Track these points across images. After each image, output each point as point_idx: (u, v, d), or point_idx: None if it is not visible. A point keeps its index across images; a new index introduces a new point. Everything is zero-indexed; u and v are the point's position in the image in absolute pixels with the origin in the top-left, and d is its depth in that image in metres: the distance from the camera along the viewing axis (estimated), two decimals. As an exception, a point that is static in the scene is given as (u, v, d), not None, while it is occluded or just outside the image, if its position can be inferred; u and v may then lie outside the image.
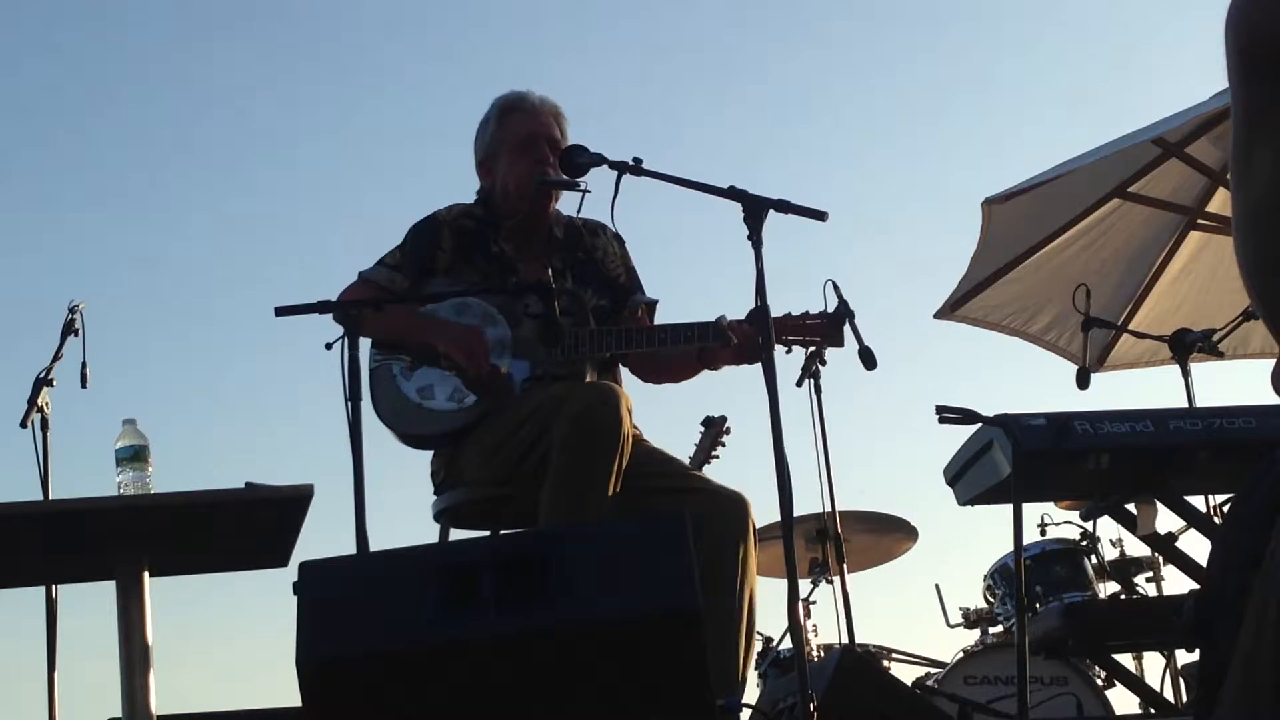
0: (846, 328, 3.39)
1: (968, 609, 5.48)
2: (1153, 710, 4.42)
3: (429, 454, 3.56)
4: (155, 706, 2.89)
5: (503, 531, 3.40)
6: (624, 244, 3.73)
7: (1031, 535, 5.12)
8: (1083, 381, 4.65)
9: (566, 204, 3.66)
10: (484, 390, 3.41)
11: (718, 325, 3.36)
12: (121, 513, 2.81)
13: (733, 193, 3.06)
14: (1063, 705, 4.41)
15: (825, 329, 3.43)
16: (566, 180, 3.42)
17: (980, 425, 3.83)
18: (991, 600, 5.32)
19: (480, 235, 3.59)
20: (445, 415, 3.42)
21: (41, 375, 4.26)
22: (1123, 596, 5.28)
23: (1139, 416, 3.78)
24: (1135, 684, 4.64)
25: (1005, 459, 3.74)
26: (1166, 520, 4.09)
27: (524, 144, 3.58)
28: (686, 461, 5.16)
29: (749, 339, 3.30)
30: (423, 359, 3.47)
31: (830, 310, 3.39)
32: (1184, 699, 4.81)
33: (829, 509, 5.00)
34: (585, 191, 3.38)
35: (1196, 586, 3.95)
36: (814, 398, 4.89)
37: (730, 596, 3.25)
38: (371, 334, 3.44)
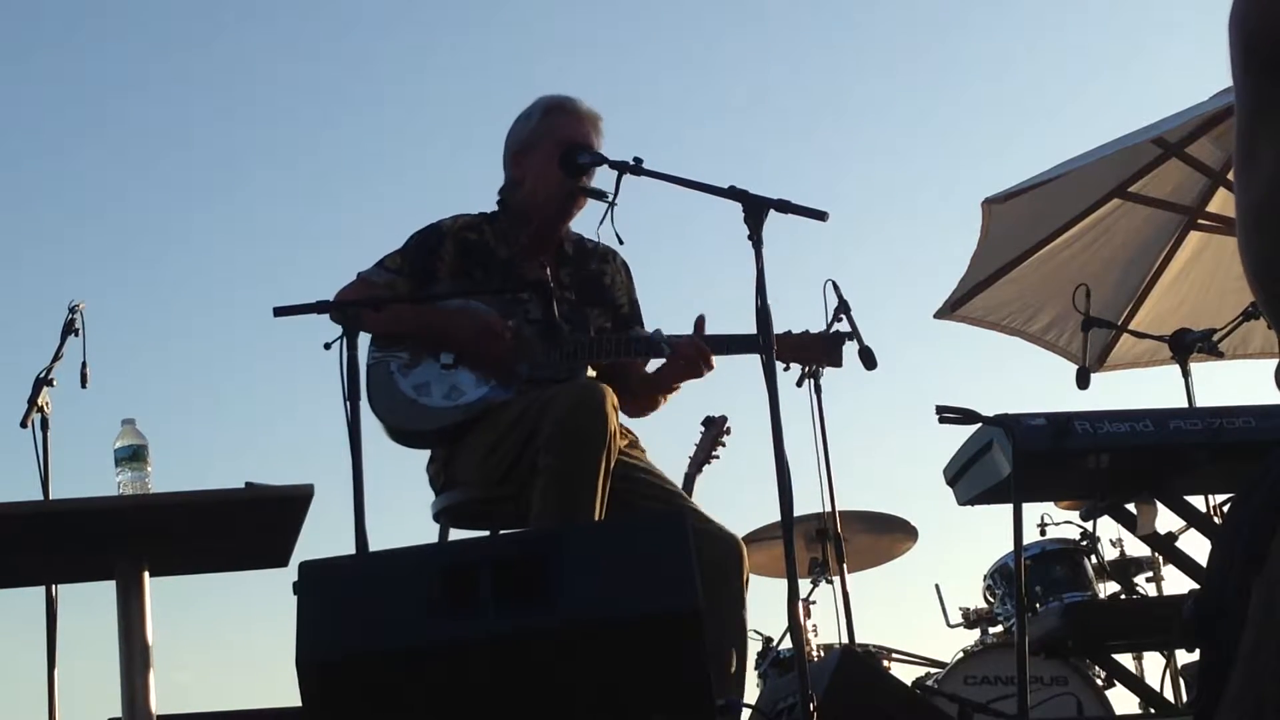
0: (845, 347, 3.40)
1: (968, 609, 5.48)
2: (1153, 710, 4.42)
3: (428, 454, 3.56)
4: (155, 706, 2.89)
5: (502, 531, 3.40)
6: (631, 274, 3.73)
7: (1031, 535, 5.12)
8: (1083, 381, 4.65)
9: (584, 223, 3.66)
10: (491, 358, 3.40)
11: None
12: (121, 513, 2.81)
13: (733, 193, 3.06)
14: (1063, 705, 4.40)
15: (823, 350, 3.43)
16: (597, 190, 3.42)
17: (980, 425, 3.83)
18: (991, 600, 5.32)
19: (482, 247, 3.58)
20: (439, 412, 3.42)
21: (41, 375, 4.26)
22: (1123, 596, 5.28)
23: (1139, 416, 3.79)
24: (1135, 684, 4.64)
25: (1005, 459, 3.74)
26: (1166, 520, 4.10)
27: (562, 147, 3.50)
28: (687, 461, 5.20)
29: (683, 351, 3.37)
30: (423, 352, 3.47)
31: (827, 316, 3.40)
32: (1184, 699, 4.81)
33: (829, 509, 5.00)
34: (612, 204, 3.34)
35: (1196, 586, 3.95)
36: (814, 398, 4.89)
37: (720, 646, 3.21)
38: (376, 328, 3.44)
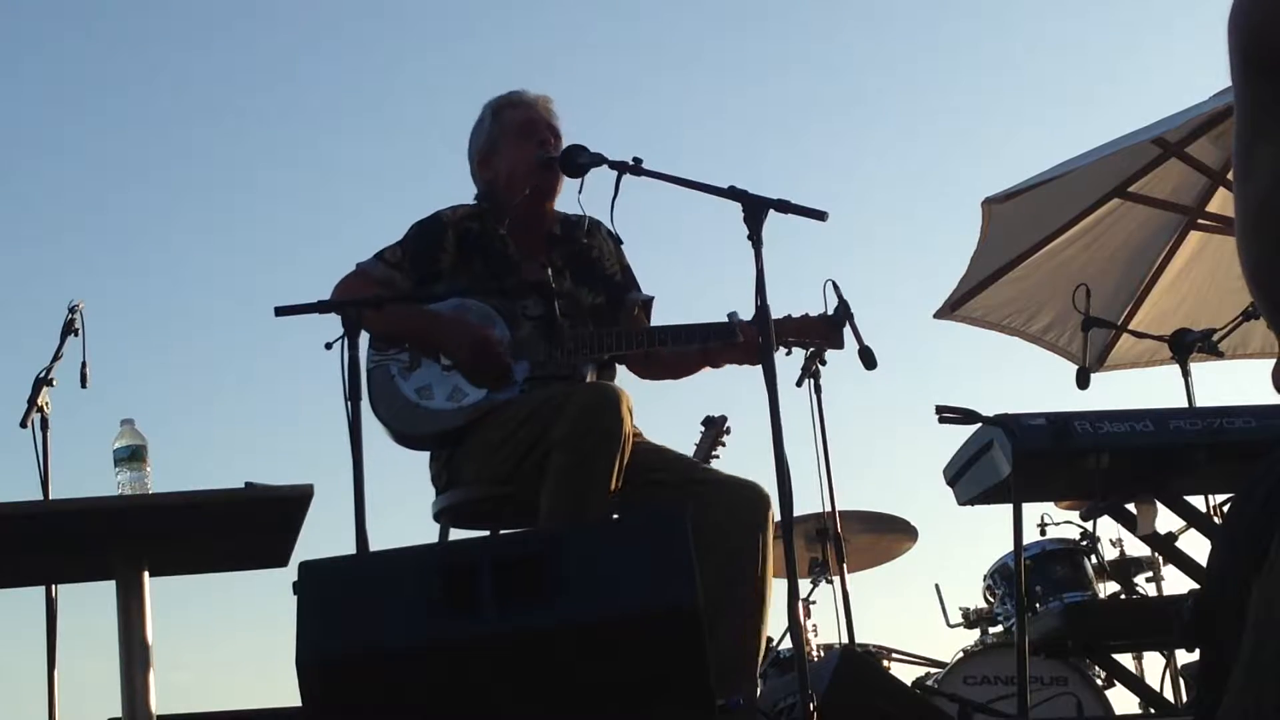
0: (846, 329, 3.40)
1: (968, 609, 5.48)
2: (1153, 710, 4.42)
3: (428, 454, 3.56)
4: (155, 706, 2.89)
5: (503, 531, 3.40)
6: (619, 242, 3.73)
7: (1031, 535, 5.13)
8: (1083, 381, 4.65)
9: (565, 203, 3.67)
10: (487, 379, 3.40)
11: (721, 326, 3.37)
12: (121, 513, 2.81)
13: (733, 193, 3.06)
14: (1063, 705, 4.40)
15: (824, 330, 3.43)
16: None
17: (980, 425, 3.83)
18: (991, 600, 5.32)
19: (483, 237, 3.58)
20: (443, 415, 3.42)
21: (41, 375, 4.26)
22: (1123, 596, 5.28)
23: (1139, 416, 3.79)
24: (1135, 684, 4.64)
25: (1005, 459, 3.74)
26: (1166, 520, 4.10)
27: (524, 130, 3.60)
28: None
29: (754, 340, 3.32)
30: (423, 355, 3.46)
31: (830, 312, 3.39)
32: (1184, 699, 4.81)
33: (829, 509, 5.00)
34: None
35: (1196, 586, 3.95)
36: (814, 398, 4.90)
37: (743, 587, 3.23)
38: (373, 329, 3.44)
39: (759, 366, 3.00)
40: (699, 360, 3.55)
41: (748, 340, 3.35)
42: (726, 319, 3.40)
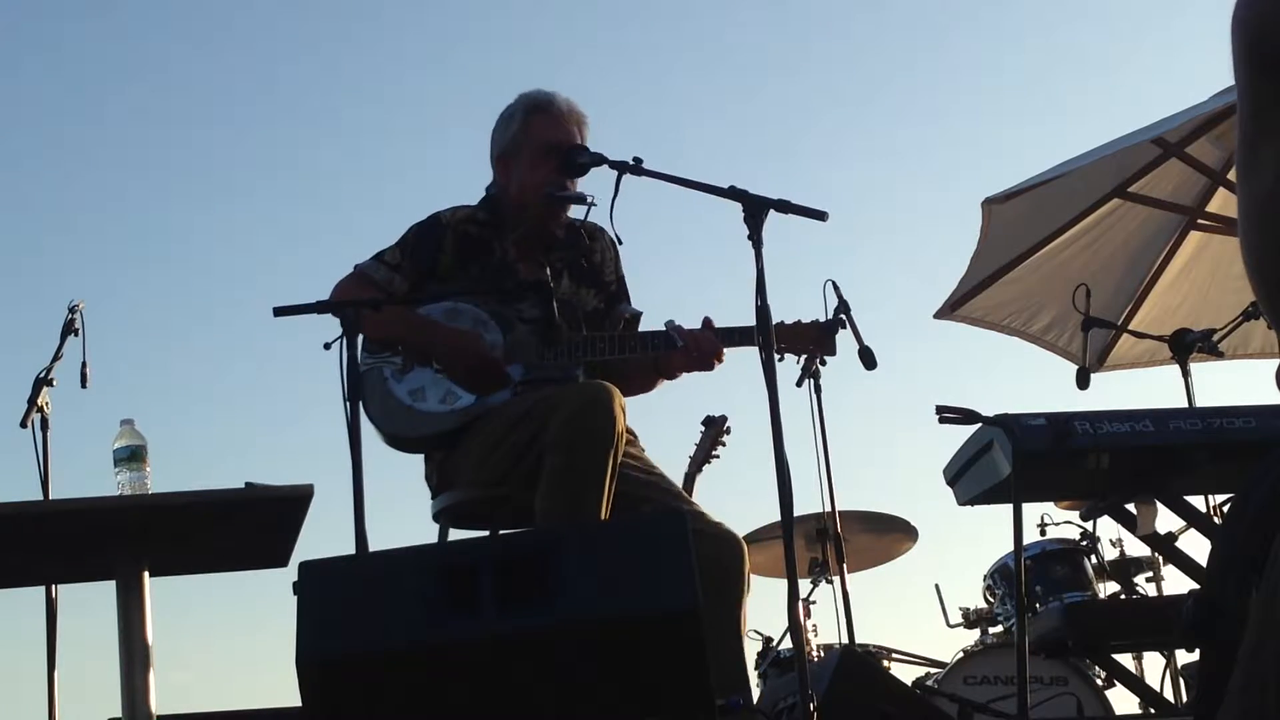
0: (843, 331, 3.40)
1: (968, 609, 5.48)
2: (1153, 710, 4.42)
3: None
4: (155, 706, 2.89)
5: (502, 531, 3.39)
6: (618, 250, 3.72)
7: (1031, 535, 5.13)
8: (1083, 381, 4.65)
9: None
10: (480, 385, 3.40)
11: (661, 334, 3.39)
12: (121, 513, 2.81)
13: (733, 193, 3.06)
14: (1063, 705, 4.41)
15: (817, 337, 3.43)
16: (578, 195, 3.47)
17: (980, 425, 3.83)
18: (991, 600, 5.32)
19: (482, 241, 3.58)
20: (436, 417, 3.41)
21: (41, 375, 4.26)
22: (1123, 596, 5.28)
23: (1139, 416, 3.79)
24: (1135, 684, 4.64)
25: (1005, 459, 3.74)
26: (1166, 520, 4.10)
27: (545, 151, 3.53)
28: (687, 461, 5.19)
29: (699, 344, 3.35)
30: (415, 360, 3.46)
31: (826, 316, 3.39)
32: (1184, 699, 4.81)
33: (829, 509, 5.00)
34: (592, 205, 3.43)
35: (1196, 586, 3.95)
36: (814, 398, 4.89)
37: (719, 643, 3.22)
38: (369, 333, 3.43)
39: (759, 366, 3.00)
40: (653, 374, 3.57)
41: (690, 346, 3.37)
42: (664, 327, 3.42)
